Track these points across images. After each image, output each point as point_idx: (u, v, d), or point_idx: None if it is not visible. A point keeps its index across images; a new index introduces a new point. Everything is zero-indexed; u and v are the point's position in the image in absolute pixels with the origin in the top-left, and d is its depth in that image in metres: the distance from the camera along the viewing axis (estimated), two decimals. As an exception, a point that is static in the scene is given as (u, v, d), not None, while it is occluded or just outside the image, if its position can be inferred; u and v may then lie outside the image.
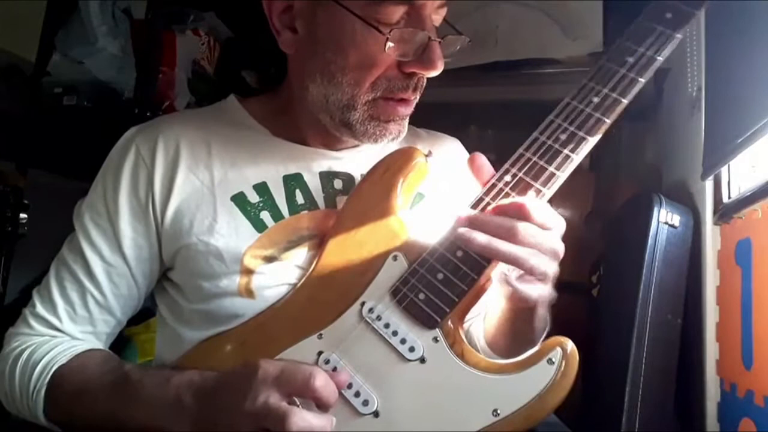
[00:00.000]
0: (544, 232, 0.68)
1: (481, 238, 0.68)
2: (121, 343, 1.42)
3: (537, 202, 0.70)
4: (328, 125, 0.85)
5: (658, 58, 0.73)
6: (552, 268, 0.70)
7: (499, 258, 0.68)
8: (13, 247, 1.47)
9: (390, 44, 0.75)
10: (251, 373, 0.64)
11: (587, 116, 0.72)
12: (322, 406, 0.64)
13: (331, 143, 0.91)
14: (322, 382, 0.63)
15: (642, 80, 0.72)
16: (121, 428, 0.73)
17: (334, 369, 0.69)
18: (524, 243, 0.67)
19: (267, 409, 0.62)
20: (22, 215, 1.47)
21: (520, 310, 0.75)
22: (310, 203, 0.85)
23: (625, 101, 0.72)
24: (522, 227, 0.67)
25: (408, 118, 0.85)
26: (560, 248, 0.70)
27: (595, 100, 0.72)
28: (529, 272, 0.68)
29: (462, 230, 0.69)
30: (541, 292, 0.70)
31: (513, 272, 0.69)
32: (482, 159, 0.76)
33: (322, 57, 0.79)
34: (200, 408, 0.67)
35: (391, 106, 0.81)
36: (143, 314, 0.93)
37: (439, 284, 0.70)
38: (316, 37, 0.79)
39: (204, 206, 0.83)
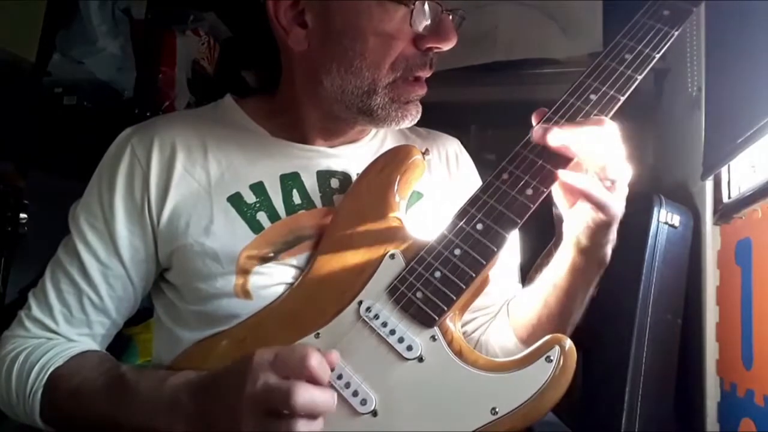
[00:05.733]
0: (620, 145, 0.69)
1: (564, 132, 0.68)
2: (121, 343, 1.42)
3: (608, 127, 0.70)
4: (342, 115, 0.85)
5: (656, 55, 0.73)
6: (623, 175, 0.70)
7: (579, 147, 0.68)
8: (13, 247, 1.47)
9: (414, 17, 0.77)
10: (246, 362, 0.64)
11: (585, 114, 0.72)
12: (315, 384, 0.63)
13: (331, 138, 0.91)
14: (316, 361, 0.63)
15: (639, 77, 0.72)
16: (117, 430, 0.73)
17: (332, 368, 0.68)
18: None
19: (269, 388, 0.61)
20: (22, 215, 1.47)
21: (590, 254, 0.75)
22: (307, 203, 0.85)
23: (622, 98, 0.72)
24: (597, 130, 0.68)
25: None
26: (628, 167, 0.71)
27: (593, 97, 0.72)
28: (608, 170, 0.68)
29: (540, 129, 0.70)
30: (618, 202, 0.70)
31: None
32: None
33: (338, 46, 0.80)
34: (197, 406, 0.67)
35: (410, 85, 0.83)
36: (144, 314, 0.93)
37: (437, 282, 0.70)
38: (331, 27, 0.80)
39: (200, 207, 0.82)
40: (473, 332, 0.94)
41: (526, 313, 0.85)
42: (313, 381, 0.62)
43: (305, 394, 0.60)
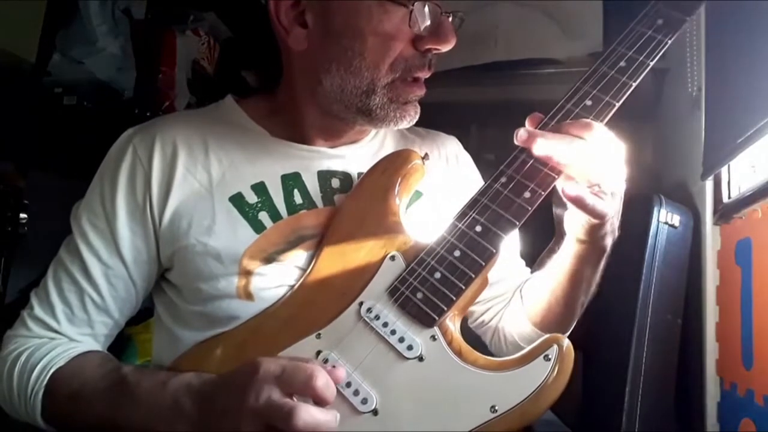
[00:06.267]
0: (608, 149, 0.70)
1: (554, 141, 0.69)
2: (121, 343, 1.42)
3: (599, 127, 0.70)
4: (341, 115, 0.85)
5: (650, 62, 0.74)
6: (617, 182, 0.71)
7: (560, 157, 0.69)
8: (13, 247, 1.47)
9: (414, 18, 0.78)
10: (252, 371, 0.64)
11: (580, 119, 0.72)
12: (320, 404, 0.64)
13: (332, 138, 0.91)
14: (323, 382, 0.63)
15: (634, 84, 0.73)
16: (118, 431, 0.73)
17: (333, 368, 0.68)
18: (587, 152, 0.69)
19: (271, 405, 0.62)
20: (22, 215, 1.47)
21: (591, 245, 0.77)
22: (309, 203, 0.85)
23: (617, 104, 0.73)
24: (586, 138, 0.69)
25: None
26: (623, 168, 0.72)
27: (589, 103, 0.73)
28: (592, 176, 0.69)
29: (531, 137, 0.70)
30: (612, 205, 0.71)
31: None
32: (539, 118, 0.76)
33: (337, 45, 0.80)
34: (200, 411, 0.67)
35: (409, 85, 0.83)
36: (143, 314, 0.93)
37: (437, 283, 0.70)
38: (331, 27, 0.80)
39: (202, 207, 0.82)
40: (490, 321, 0.96)
41: (538, 300, 0.88)
42: (318, 402, 0.63)
43: (307, 417, 0.60)
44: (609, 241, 0.78)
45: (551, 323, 0.87)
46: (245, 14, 1.69)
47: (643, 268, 1.23)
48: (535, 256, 0.92)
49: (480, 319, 0.97)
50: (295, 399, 0.63)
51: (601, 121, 0.72)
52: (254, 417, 0.62)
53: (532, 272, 0.96)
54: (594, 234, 0.75)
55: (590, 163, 0.69)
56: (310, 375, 0.63)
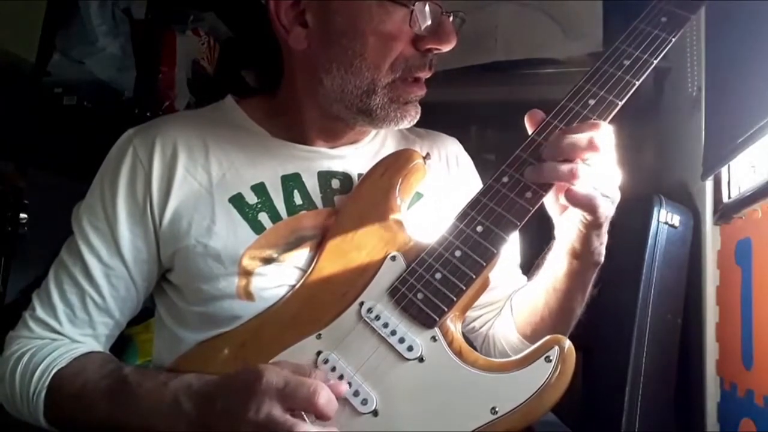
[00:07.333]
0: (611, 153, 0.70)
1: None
2: (121, 343, 1.41)
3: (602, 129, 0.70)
4: (341, 115, 0.85)
5: (654, 61, 0.74)
6: (615, 186, 0.71)
7: (562, 176, 0.68)
8: (13, 247, 1.46)
9: (414, 17, 0.77)
10: (254, 379, 0.64)
11: (584, 118, 0.72)
12: (321, 419, 0.64)
13: (332, 139, 0.91)
14: (324, 399, 0.63)
15: (637, 82, 0.73)
16: (119, 431, 0.73)
17: (333, 369, 0.69)
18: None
19: (271, 420, 0.62)
20: (22, 215, 1.47)
21: (585, 259, 0.76)
22: (309, 203, 0.85)
23: (620, 103, 0.72)
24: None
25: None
26: (617, 172, 0.71)
27: (591, 102, 0.73)
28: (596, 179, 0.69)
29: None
30: (608, 205, 0.71)
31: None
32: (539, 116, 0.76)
33: (338, 45, 0.80)
34: (199, 413, 0.67)
35: (410, 85, 0.83)
36: (144, 314, 0.93)
37: (438, 284, 0.70)
38: (331, 26, 0.80)
39: (202, 208, 0.83)
40: (481, 328, 0.96)
41: (529, 312, 0.87)
42: (319, 417, 0.63)
43: None
44: (603, 252, 0.77)
45: (544, 334, 0.85)
46: (245, 14, 1.69)
47: (643, 268, 1.23)
48: (533, 257, 0.92)
49: (471, 326, 0.97)
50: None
51: (604, 120, 0.71)
52: (253, 428, 0.62)
53: (529, 277, 0.95)
54: (589, 240, 0.74)
55: (595, 166, 0.69)
56: (312, 392, 0.63)
